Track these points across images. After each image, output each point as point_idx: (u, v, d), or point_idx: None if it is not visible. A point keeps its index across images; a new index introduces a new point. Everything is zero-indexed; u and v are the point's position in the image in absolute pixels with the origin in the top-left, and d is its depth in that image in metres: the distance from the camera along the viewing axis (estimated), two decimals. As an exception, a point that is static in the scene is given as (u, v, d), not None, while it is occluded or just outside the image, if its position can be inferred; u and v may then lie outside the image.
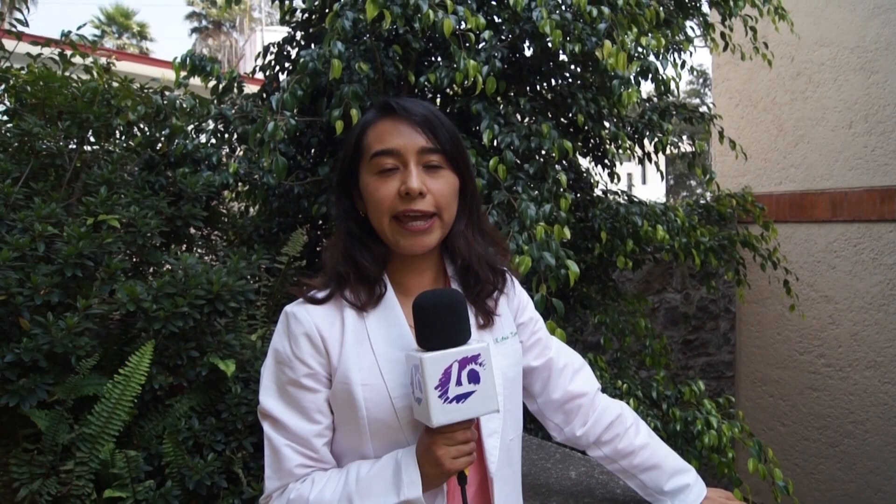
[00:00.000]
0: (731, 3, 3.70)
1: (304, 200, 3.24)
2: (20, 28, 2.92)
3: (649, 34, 3.07)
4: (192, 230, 2.87)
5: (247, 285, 2.31)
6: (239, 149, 3.36)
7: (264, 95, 3.50)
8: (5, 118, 2.86)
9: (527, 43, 3.22)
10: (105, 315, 2.12)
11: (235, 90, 3.36)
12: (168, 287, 2.15)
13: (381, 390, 1.19)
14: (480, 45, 2.90)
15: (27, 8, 3.08)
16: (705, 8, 3.90)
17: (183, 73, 3.11)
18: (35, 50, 2.97)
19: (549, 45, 2.81)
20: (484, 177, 2.84)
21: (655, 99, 3.77)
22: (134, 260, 2.53)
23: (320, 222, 3.39)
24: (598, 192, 3.84)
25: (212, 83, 3.27)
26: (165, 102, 3.00)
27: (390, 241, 1.24)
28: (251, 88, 3.70)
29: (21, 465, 1.85)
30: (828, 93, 5.44)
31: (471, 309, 1.28)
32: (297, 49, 3.60)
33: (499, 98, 3.17)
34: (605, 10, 2.86)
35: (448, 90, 3.26)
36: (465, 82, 2.74)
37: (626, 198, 3.91)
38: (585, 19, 2.86)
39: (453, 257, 1.32)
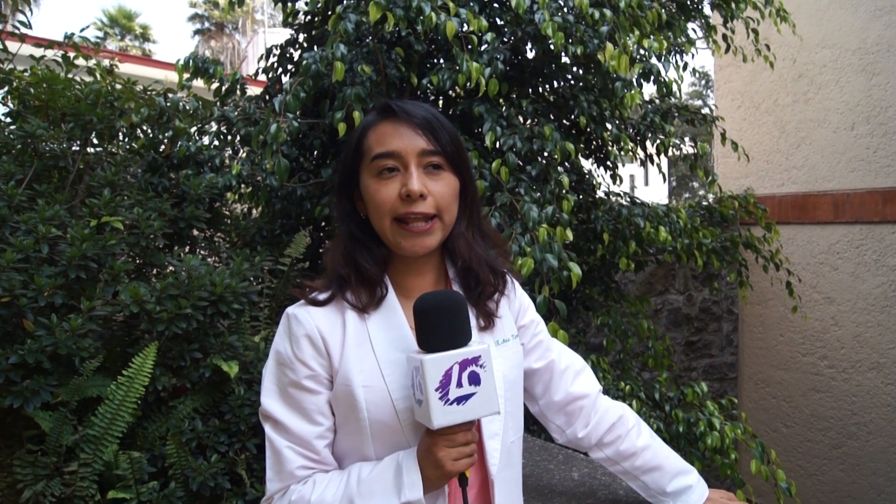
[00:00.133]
0: (733, 5, 3.70)
1: (307, 202, 3.24)
2: (23, 30, 2.92)
3: (651, 36, 3.07)
4: (196, 232, 2.87)
5: (250, 287, 2.32)
6: (242, 151, 3.36)
7: (267, 97, 3.51)
8: (9, 120, 2.87)
9: (529, 45, 3.22)
10: (109, 317, 2.12)
11: (238, 92, 3.37)
12: (171, 289, 2.15)
13: (382, 392, 1.20)
14: (483, 48, 2.91)
15: (30, 10, 3.09)
16: (707, 10, 3.91)
17: (186, 75, 3.12)
18: (38, 52, 2.98)
19: (552, 47, 2.82)
20: (486, 179, 2.84)
21: (657, 101, 3.77)
22: (137, 262, 2.53)
23: (323, 224, 3.40)
24: (600, 193, 3.85)
25: (215, 85, 3.28)
26: (168, 104, 3.01)
27: (391, 243, 1.24)
28: (254, 90, 3.70)
29: (25, 466, 1.86)
30: (830, 94, 5.44)
31: (472, 311, 1.28)
32: (299, 51, 3.61)
33: (501, 100, 3.17)
34: (607, 12, 2.86)
35: (450, 92, 3.26)
36: (468, 84, 2.74)
37: (628, 199, 3.91)
38: (587, 21, 2.86)
39: (454, 259, 1.33)
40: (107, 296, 2.13)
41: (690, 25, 3.74)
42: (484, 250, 1.34)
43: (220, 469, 2.04)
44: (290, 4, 3.53)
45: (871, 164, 5.15)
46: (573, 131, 3.49)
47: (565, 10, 2.94)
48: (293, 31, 3.66)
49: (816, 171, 5.54)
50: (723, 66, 6.32)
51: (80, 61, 3.06)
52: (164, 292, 2.13)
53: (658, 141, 3.62)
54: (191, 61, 3.12)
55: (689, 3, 3.69)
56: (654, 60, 3.16)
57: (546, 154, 3.04)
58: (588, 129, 3.30)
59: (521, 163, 3.00)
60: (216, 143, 3.30)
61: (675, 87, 3.36)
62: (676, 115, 3.81)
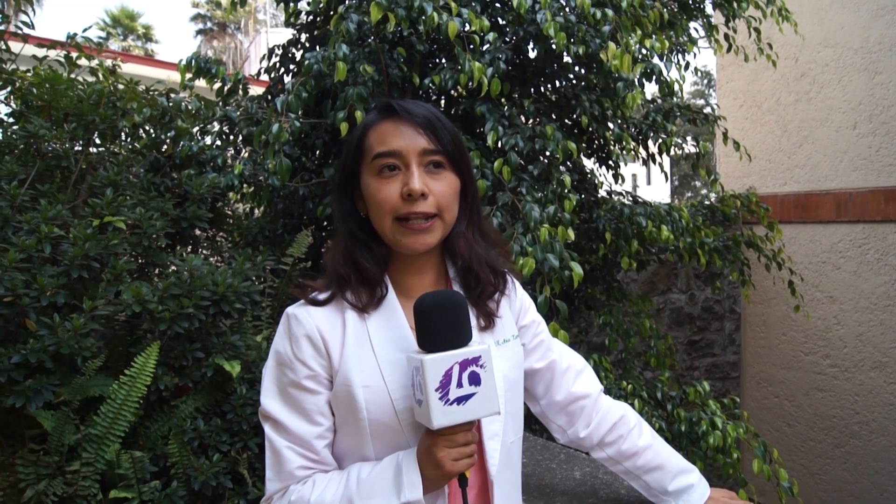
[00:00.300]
0: (735, 5, 3.70)
1: (309, 202, 3.24)
2: (26, 30, 2.93)
3: (653, 36, 3.07)
4: (198, 231, 2.88)
5: (252, 286, 2.32)
6: (244, 150, 3.37)
7: (269, 97, 3.51)
8: (11, 120, 2.88)
9: (531, 45, 3.22)
10: (111, 316, 2.13)
11: (240, 92, 3.37)
12: (173, 288, 2.15)
13: (381, 392, 1.20)
14: (485, 47, 2.91)
15: (33, 10, 3.09)
16: (709, 9, 3.90)
17: (188, 75, 3.12)
18: (41, 52, 2.98)
19: (554, 46, 2.82)
20: (488, 178, 2.84)
21: (659, 100, 3.77)
22: (140, 261, 2.54)
23: (325, 223, 3.40)
24: (602, 193, 3.85)
25: (217, 85, 3.29)
26: (171, 104, 3.01)
27: (391, 241, 1.24)
28: (256, 90, 3.71)
29: (27, 465, 1.86)
30: (832, 93, 5.43)
31: (472, 311, 1.28)
32: (301, 51, 3.62)
33: (503, 100, 3.17)
34: (609, 12, 2.86)
35: (452, 92, 3.27)
36: (470, 84, 2.74)
37: (630, 199, 3.91)
38: (589, 21, 2.86)
39: (454, 258, 1.32)
40: (109, 295, 2.13)
41: (692, 25, 3.74)
42: (484, 250, 1.33)
43: (222, 468, 2.04)
44: (292, 4, 3.53)
45: (873, 163, 5.15)
46: (575, 131, 3.49)
47: (567, 9, 2.94)
48: (295, 31, 3.66)
49: (819, 171, 5.54)
50: (725, 66, 6.31)
51: (83, 61, 3.07)
52: (166, 292, 2.14)
53: (660, 140, 3.62)
54: (193, 61, 3.13)
55: (690, 2, 3.68)
56: (655, 60, 3.16)
57: (548, 153, 3.04)
58: (590, 129, 3.30)
59: (522, 162, 3.00)
60: (218, 142, 3.30)
61: (676, 87, 3.36)
62: (678, 114, 3.81)
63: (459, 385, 1.10)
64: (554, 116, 3.26)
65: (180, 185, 2.79)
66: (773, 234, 4.57)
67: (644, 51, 3.05)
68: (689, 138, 4.31)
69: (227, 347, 2.23)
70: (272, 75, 3.69)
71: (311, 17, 3.58)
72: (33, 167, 2.57)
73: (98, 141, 2.95)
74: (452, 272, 1.33)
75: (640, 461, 1.56)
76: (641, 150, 3.81)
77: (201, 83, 3.22)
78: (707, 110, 4.18)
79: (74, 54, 3.03)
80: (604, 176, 3.91)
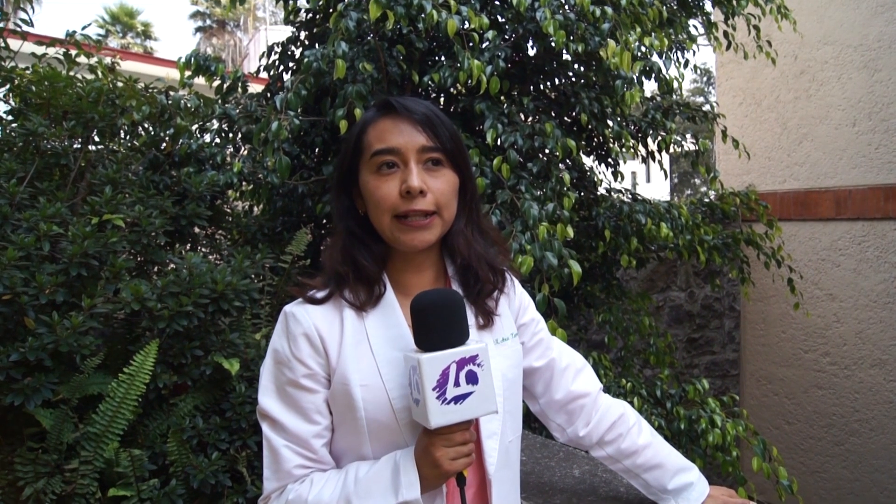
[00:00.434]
0: (734, 2, 3.70)
1: (308, 199, 3.24)
2: (25, 28, 2.93)
3: (652, 34, 3.07)
4: (197, 229, 2.88)
5: (251, 284, 2.32)
6: (243, 148, 3.37)
7: (268, 95, 3.51)
8: (10, 118, 2.88)
9: (530, 42, 3.22)
10: (110, 314, 2.13)
11: (240, 90, 3.37)
12: (172, 286, 2.16)
13: (379, 391, 1.19)
14: (484, 45, 2.90)
15: (32, 8, 3.09)
16: (708, 7, 3.90)
17: (187, 73, 3.12)
18: (40, 50, 2.98)
19: (553, 44, 2.81)
20: (487, 176, 2.84)
21: (659, 98, 3.77)
22: (138, 259, 2.54)
23: (324, 221, 3.40)
24: (601, 190, 3.85)
25: (216, 83, 3.28)
26: (170, 102, 3.01)
27: (390, 239, 1.23)
28: (255, 88, 3.71)
29: (26, 463, 1.86)
30: (831, 91, 5.43)
31: (470, 309, 1.28)
32: (301, 49, 3.62)
33: (502, 97, 3.17)
34: (608, 9, 2.86)
35: (452, 90, 3.26)
36: (469, 82, 2.74)
37: (629, 196, 3.91)
38: (588, 19, 2.86)
39: (453, 256, 1.32)
40: (108, 293, 2.13)
41: (691, 22, 3.74)
42: (483, 248, 1.33)
43: (221, 466, 2.05)
44: (291, 2, 3.53)
45: (872, 160, 5.15)
46: (574, 128, 3.49)
47: (566, 7, 2.93)
48: (294, 29, 3.66)
49: (818, 168, 5.54)
50: (724, 63, 6.31)
51: (82, 59, 3.07)
52: (165, 290, 2.14)
53: (659, 138, 3.61)
54: (192, 59, 3.13)
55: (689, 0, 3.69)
56: (655, 58, 3.16)
57: (547, 151, 3.04)
58: (589, 127, 3.30)
59: (522, 160, 3.00)
60: (217, 140, 3.30)
61: (676, 84, 3.36)
62: (678, 111, 3.81)
63: (457, 384, 1.09)
64: (553, 114, 3.26)
65: (179, 182, 2.79)
66: (773, 232, 4.57)
67: (643, 48, 3.04)
68: (688, 136, 4.31)
69: (226, 345, 2.23)
70: (271, 73, 3.68)
71: (310, 15, 3.57)
72: (32, 165, 2.57)
73: (97, 139, 2.95)
74: (451, 270, 1.33)
75: (640, 459, 1.56)
76: (641, 147, 3.81)
77: (200, 81, 3.21)
78: (706, 108, 4.18)
79: (73, 52, 3.03)
80: (603, 173, 3.91)
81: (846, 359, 5.40)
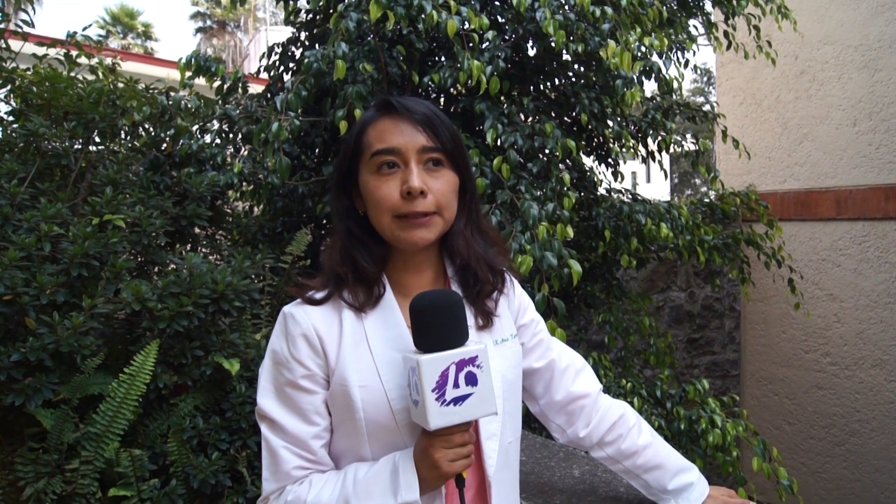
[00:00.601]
0: (734, 2, 3.70)
1: (309, 200, 3.25)
2: (26, 29, 2.93)
3: (652, 34, 3.07)
4: (197, 230, 2.88)
5: (251, 284, 2.32)
6: (243, 149, 3.37)
7: (269, 96, 3.51)
8: (11, 119, 2.88)
9: (530, 43, 3.22)
10: (110, 314, 2.13)
11: (240, 90, 3.37)
12: (173, 286, 2.16)
13: (378, 392, 1.19)
14: (484, 46, 2.91)
15: (33, 9, 3.09)
16: (708, 7, 3.90)
17: (188, 74, 3.13)
18: (41, 51, 2.99)
19: (553, 45, 2.82)
20: (487, 176, 2.84)
21: (659, 98, 3.77)
22: (139, 259, 2.54)
23: (324, 221, 3.41)
24: (601, 190, 3.85)
25: (216, 83, 3.29)
26: (170, 103, 3.01)
27: (390, 238, 1.23)
28: (256, 88, 3.71)
29: (26, 463, 1.87)
30: (832, 91, 5.43)
31: (470, 310, 1.27)
32: (301, 49, 3.62)
33: (502, 98, 3.17)
34: (608, 10, 2.86)
35: (452, 90, 3.27)
36: (469, 82, 2.74)
37: (629, 196, 3.91)
38: (588, 19, 2.86)
39: (452, 257, 1.31)
40: (108, 294, 2.13)
41: (692, 22, 3.74)
42: (483, 248, 1.32)
43: (221, 467, 2.05)
44: (291, 3, 3.53)
45: (873, 160, 5.15)
46: (574, 128, 3.49)
47: (566, 7, 2.94)
48: (295, 30, 3.66)
49: (818, 168, 5.54)
50: (724, 63, 6.31)
51: (83, 60, 3.07)
52: (165, 290, 2.14)
53: (659, 138, 3.62)
54: (193, 59, 3.13)
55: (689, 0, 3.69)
56: (655, 58, 3.16)
57: (547, 151, 3.04)
58: (589, 127, 3.30)
59: (522, 160, 3.00)
60: (218, 141, 3.31)
61: (676, 85, 3.36)
62: (678, 112, 3.81)
63: (456, 385, 1.09)
64: (553, 114, 3.26)
65: (180, 183, 2.79)
66: (773, 232, 4.57)
67: (643, 48, 3.05)
68: (688, 136, 4.31)
69: (226, 345, 2.24)
70: (272, 73, 3.69)
71: (310, 16, 3.58)
72: (33, 165, 2.57)
73: (98, 139, 2.95)
74: (451, 271, 1.33)
75: (640, 460, 1.56)
76: (641, 147, 3.81)
77: (201, 81, 3.22)
78: (707, 108, 4.18)
79: (74, 53, 3.04)
80: (603, 174, 3.91)
81: (847, 359, 5.39)
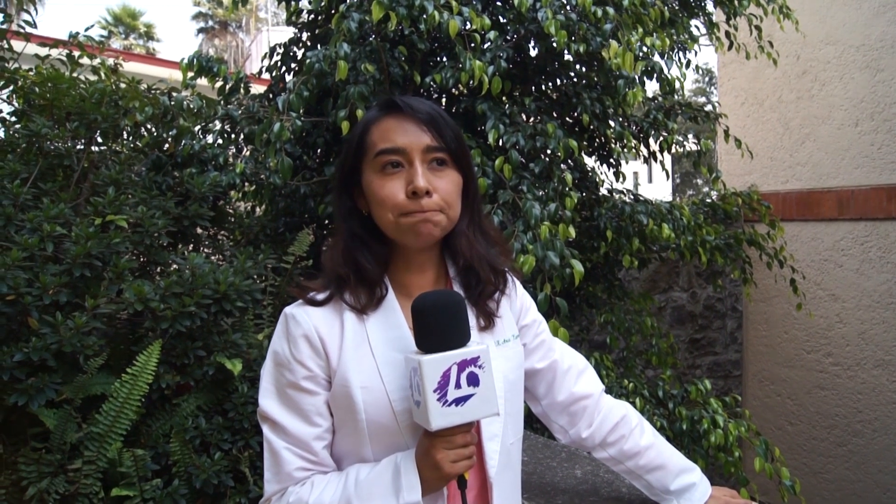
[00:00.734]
0: (736, 2, 3.70)
1: (311, 200, 3.25)
2: (28, 29, 2.93)
3: (654, 34, 3.07)
4: (199, 230, 2.88)
5: (253, 285, 2.33)
6: (245, 149, 3.37)
7: (271, 96, 3.52)
8: (14, 119, 2.88)
9: (532, 43, 3.22)
10: (113, 314, 2.13)
11: (242, 91, 3.38)
12: (175, 287, 2.16)
13: (380, 393, 1.19)
14: (486, 46, 2.91)
15: (35, 9, 3.09)
16: (710, 7, 3.90)
17: (190, 74, 3.13)
18: (43, 51, 2.99)
19: (554, 45, 2.82)
20: (489, 176, 2.84)
21: (661, 98, 3.77)
22: (141, 260, 2.54)
23: (326, 222, 3.41)
24: (603, 191, 3.85)
25: (218, 84, 3.29)
26: (172, 103, 3.02)
27: (394, 235, 1.22)
28: (258, 89, 3.71)
29: (29, 463, 1.87)
30: (834, 91, 5.43)
31: (471, 310, 1.27)
32: (303, 50, 3.62)
33: (504, 98, 3.18)
34: (610, 10, 2.86)
35: (453, 90, 3.27)
36: (471, 82, 2.75)
37: (631, 197, 3.91)
38: (590, 19, 2.86)
39: (455, 258, 1.31)
40: (111, 294, 2.14)
41: (693, 22, 3.74)
42: (485, 249, 1.32)
43: (224, 467, 2.05)
44: (293, 3, 3.54)
45: (875, 160, 5.14)
46: (576, 129, 3.50)
47: (568, 7, 2.94)
48: (296, 30, 3.67)
49: (821, 168, 5.53)
50: (726, 63, 6.30)
51: (85, 60, 3.07)
52: (168, 290, 2.14)
53: (661, 138, 3.62)
54: (195, 60, 3.13)
55: (691, 0, 3.69)
56: (657, 58, 3.16)
57: (549, 151, 3.04)
58: (591, 127, 3.30)
59: (524, 160, 3.00)
60: (220, 141, 3.31)
61: (678, 85, 3.36)
62: (680, 112, 3.81)
63: (458, 386, 1.08)
64: (555, 114, 3.27)
65: (182, 183, 2.79)
66: (775, 232, 4.57)
67: (645, 49, 3.05)
68: (690, 136, 4.31)
69: (228, 346, 2.24)
70: (273, 74, 3.69)
71: (312, 16, 3.58)
72: (36, 166, 2.57)
73: (100, 140, 2.95)
74: (453, 271, 1.32)
75: (642, 461, 1.56)
76: (642, 147, 3.81)
77: (203, 82, 3.22)
78: (708, 108, 4.18)
79: (76, 53, 3.04)
80: (605, 174, 3.91)
81: (849, 359, 5.39)
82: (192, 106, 3.13)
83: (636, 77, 3.07)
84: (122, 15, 32.76)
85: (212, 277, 2.21)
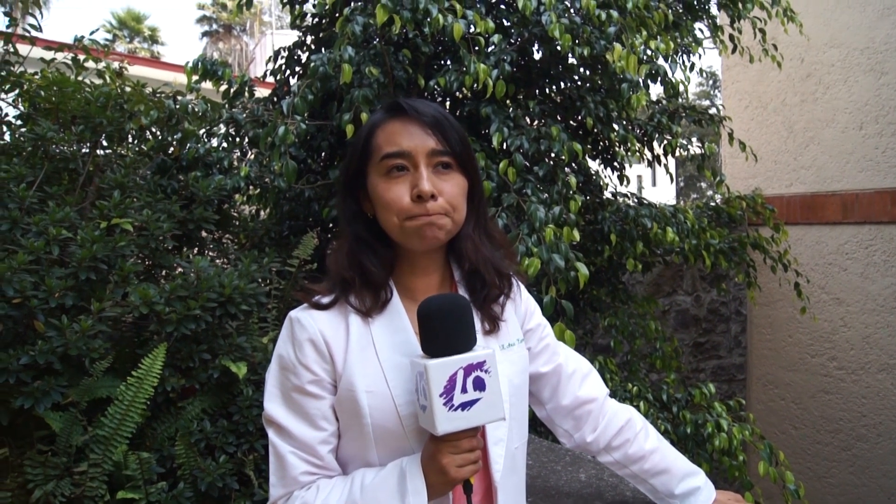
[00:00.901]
0: (740, 6, 3.70)
1: (315, 204, 3.25)
2: (33, 33, 2.94)
3: (658, 37, 3.07)
4: (204, 233, 2.89)
5: (258, 288, 2.33)
6: (250, 152, 3.38)
7: (275, 99, 3.53)
8: (19, 123, 2.89)
9: (536, 46, 3.23)
10: (118, 318, 2.14)
11: (246, 94, 3.38)
12: (180, 290, 2.16)
13: (385, 397, 1.18)
14: (490, 49, 2.91)
15: (40, 13, 3.11)
16: (714, 10, 3.90)
17: (195, 78, 3.14)
18: (48, 55, 3.00)
19: (558, 48, 2.82)
20: (493, 180, 2.84)
21: (664, 101, 3.77)
22: (147, 263, 2.55)
23: (331, 225, 3.41)
24: (607, 194, 3.85)
25: (223, 87, 3.30)
26: (177, 107, 3.03)
27: (400, 238, 1.22)
28: (262, 92, 3.72)
29: (35, 466, 1.87)
30: (838, 94, 5.42)
31: (477, 315, 1.27)
32: (307, 53, 3.63)
33: (508, 101, 3.18)
34: (614, 13, 2.86)
35: (458, 94, 3.27)
36: (475, 86, 2.75)
37: (635, 200, 3.91)
38: (594, 23, 2.87)
39: (460, 261, 1.31)
40: (116, 297, 2.14)
41: (697, 26, 3.74)
42: (490, 252, 1.32)
43: (229, 470, 2.05)
44: (297, 7, 3.55)
45: (879, 164, 5.13)
46: (580, 132, 3.50)
47: (572, 11, 2.94)
48: (301, 34, 3.68)
49: (825, 172, 5.52)
50: (730, 66, 6.30)
51: (90, 64, 3.09)
52: (173, 293, 2.15)
53: (665, 141, 3.62)
54: (199, 63, 3.14)
55: (695, 3, 3.69)
56: (661, 61, 3.17)
57: (553, 155, 3.04)
58: (595, 130, 3.30)
59: (528, 164, 3.00)
60: (224, 145, 3.32)
61: (682, 88, 3.36)
62: (684, 115, 3.81)
63: (464, 390, 1.08)
64: (559, 118, 3.27)
65: (187, 187, 2.80)
66: (779, 236, 4.57)
67: (649, 52, 3.05)
68: (694, 139, 4.30)
69: (233, 349, 2.24)
70: (278, 77, 3.70)
71: (316, 20, 3.59)
72: (41, 169, 2.58)
73: (105, 143, 2.96)
74: (458, 275, 1.32)
75: (647, 465, 1.56)
76: (647, 151, 3.81)
77: (207, 85, 3.23)
78: (712, 111, 4.17)
79: (82, 57, 3.05)
80: (609, 177, 3.91)
81: (853, 363, 5.37)
82: (196, 109, 3.14)
83: (640, 80, 3.08)
84: (126, 18, 32.85)
85: (216, 281, 2.22)
